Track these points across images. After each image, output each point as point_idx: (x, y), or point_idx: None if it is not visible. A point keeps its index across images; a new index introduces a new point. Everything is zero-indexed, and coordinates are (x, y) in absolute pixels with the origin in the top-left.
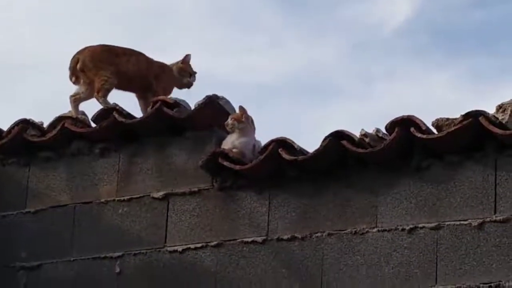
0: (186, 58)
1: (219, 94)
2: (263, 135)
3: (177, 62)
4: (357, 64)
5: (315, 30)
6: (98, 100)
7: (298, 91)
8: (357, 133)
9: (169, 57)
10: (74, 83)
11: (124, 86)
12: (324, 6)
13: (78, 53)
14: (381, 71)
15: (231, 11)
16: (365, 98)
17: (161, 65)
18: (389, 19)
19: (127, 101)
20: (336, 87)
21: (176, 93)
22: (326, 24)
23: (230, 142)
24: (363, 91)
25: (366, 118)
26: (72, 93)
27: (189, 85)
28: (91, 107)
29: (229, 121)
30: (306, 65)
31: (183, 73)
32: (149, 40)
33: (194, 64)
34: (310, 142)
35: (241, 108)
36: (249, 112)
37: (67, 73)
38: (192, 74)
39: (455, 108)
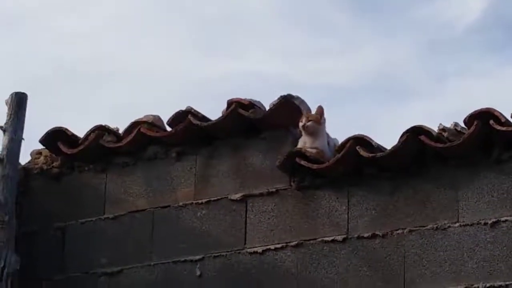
0: None
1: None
2: (339, 135)
3: None
4: (431, 63)
5: (388, 30)
6: None
7: (372, 92)
8: (435, 128)
9: (244, 62)
10: None
11: None
12: (396, 6)
13: None
14: (454, 68)
15: (303, 14)
16: (439, 96)
17: None
18: (462, 16)
19: (201, 104)
20: (410, 86)
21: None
22: (399, 25)
23: (308, 142)
24: (437, 89)
25: (441, 115)
26: None
27: None
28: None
29: (308, 123)
30: (380, 65)
31: None
32: (224, 46)
33: (269, 69)
34: (386, 141)
35: (320, 108)
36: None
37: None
38: None
39: None
